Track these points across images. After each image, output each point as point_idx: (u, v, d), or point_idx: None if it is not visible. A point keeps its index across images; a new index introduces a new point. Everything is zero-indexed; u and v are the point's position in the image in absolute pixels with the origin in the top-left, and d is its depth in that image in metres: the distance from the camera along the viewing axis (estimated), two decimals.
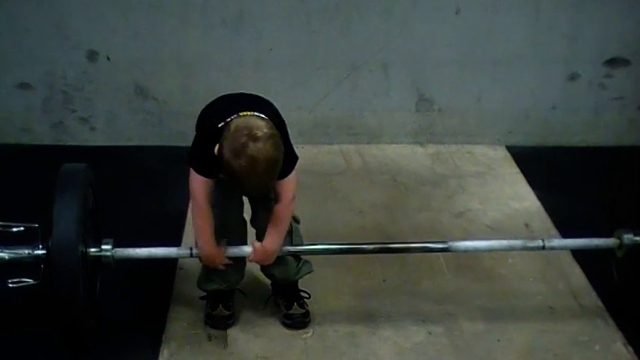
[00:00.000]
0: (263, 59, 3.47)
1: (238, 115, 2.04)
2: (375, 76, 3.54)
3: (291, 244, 2.31)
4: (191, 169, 2.15)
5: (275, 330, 2.36)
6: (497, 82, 3.56)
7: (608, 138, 3.64)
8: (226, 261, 2.25)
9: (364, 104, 3.60)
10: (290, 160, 2.13)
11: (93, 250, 2.21)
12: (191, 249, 2.27)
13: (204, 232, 2.19)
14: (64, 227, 2.03)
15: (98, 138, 3.57)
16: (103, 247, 2.23)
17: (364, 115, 3.62)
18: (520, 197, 3.19)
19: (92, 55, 3.44)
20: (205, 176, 2.13)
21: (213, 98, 2.26)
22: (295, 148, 2.19)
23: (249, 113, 2.05)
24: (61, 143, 3.56)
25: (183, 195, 2.95)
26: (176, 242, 2.64)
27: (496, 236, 2.82)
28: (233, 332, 2.34)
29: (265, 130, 2.00)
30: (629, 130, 3.65)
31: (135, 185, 3.22)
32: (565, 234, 2.73)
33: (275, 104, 2.21)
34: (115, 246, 2.24)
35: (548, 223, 2.98)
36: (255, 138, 1.97)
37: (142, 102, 3.54)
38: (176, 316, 2.40)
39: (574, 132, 3.65)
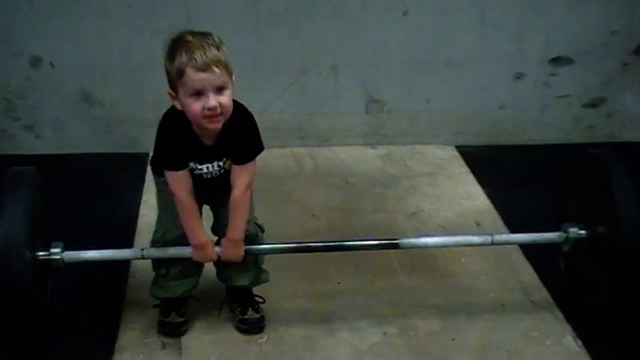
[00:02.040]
0: None
1: None
2: (325, 79, 3.54)
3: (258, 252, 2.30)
4: (164, 171, 2.12)
5: (230, 335, 2.33)
6: (445, 83, 3.60)
7: (555, 135, 3.71)
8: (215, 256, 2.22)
9: (314, 107, 3.60)
10: (254, 145, 2.13)
11: (42, 253, 2.16)
12: (142, 250, 2.25)
13: (191, 225, 2.15)
14: (11, 229, 1.99)
15: (44, 146, 3.50)
16: (52, 250, 2.19)
17: (314, 118, 3.62)
18: (471, 196, 3.23)
19: (35, 62, 3.36)
20: (175, 169, 2.10)
21: (162, 104, 2.22)
22: None
23: None
24: (5, 152, 3.47)
25: (134, 201, 2.95)
26: (128, 247, 2.59)
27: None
28: (187, 339, 2.31)
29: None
30: (574, 127, 3.72)
31: (84, 193, 3.15)
32: (515, 231, 2.76)
33: None
34: (64, 249, 2.20)
35: (498, 220, 3.02)
36: (191, 32, 2.00)
37: (89, 109, 3.48)
38: (128, 325, 2.36)
39: (522, 130, 3.71)
